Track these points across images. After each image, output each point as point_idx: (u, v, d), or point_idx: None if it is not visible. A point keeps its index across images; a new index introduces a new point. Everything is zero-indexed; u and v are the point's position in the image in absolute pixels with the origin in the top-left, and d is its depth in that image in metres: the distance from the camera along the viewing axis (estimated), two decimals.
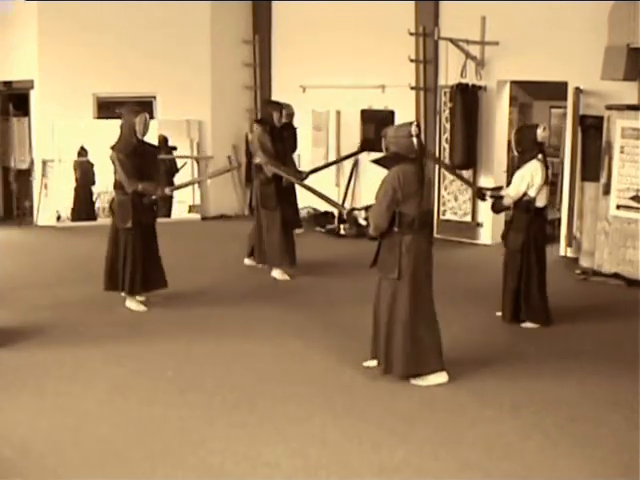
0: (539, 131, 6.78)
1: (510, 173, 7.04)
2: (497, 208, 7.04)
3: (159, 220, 7.58)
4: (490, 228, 10.18)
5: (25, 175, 11.95)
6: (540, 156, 6.74)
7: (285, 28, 12.32)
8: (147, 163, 7.26)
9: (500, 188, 7.33)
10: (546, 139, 6.96)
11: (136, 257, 7.15)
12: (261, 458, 4.37)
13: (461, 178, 8.75)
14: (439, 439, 4.63)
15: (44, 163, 11.54)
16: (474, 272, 8.79)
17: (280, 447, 4.50)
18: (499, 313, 7.00)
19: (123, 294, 7.34)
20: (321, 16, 11.54)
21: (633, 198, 8.20)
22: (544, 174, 6.69)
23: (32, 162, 11.79)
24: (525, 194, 6.70)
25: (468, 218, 10.46)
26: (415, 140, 5.35)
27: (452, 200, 10.57)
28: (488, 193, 7.22)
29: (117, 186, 7.21)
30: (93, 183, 11.65)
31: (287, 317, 7.06)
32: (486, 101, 10.19)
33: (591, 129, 8.96)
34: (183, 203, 12.20)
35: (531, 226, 6.76)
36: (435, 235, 10.57)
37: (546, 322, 6.83)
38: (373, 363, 5.69)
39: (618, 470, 4.24)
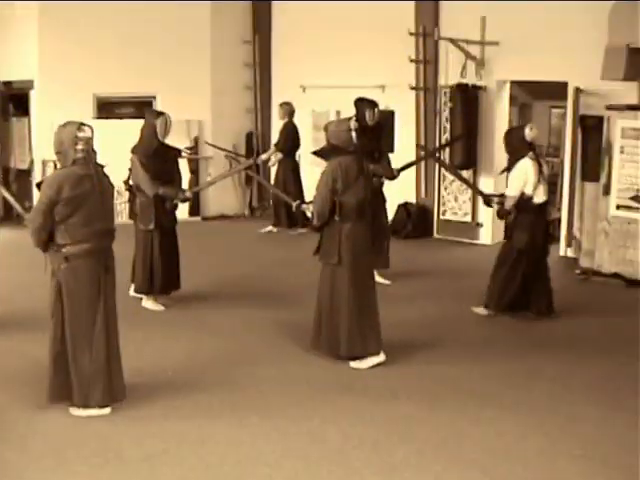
0: (527, 131, 6.94)
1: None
2: (502, 213, 7.11)
3: None
4: (490, 228, 10.18)
5: (25, 175, 11.90)
6: (531, 154, 6.85)
7: (285, 28, 12.29)
8: (168, 166, 7.24)
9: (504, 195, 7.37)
10: (535, 138, 7.08)
11: (155, 259, 7.16)
12: (262, 458, 4.38)
13: (465, 182, 8.71)
14: (439, 439, 4.64)
15: (44, 163, 11.49)
16: (473, 272, 8.76)
17: (280, 447, 4.51)
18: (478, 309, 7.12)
19: (134, 293, 7.38)
20: (321, 16, 11.52)
21: (633, 198, 8.18)
22: (537, 170, 6.81)
23: (32, 162, 11.76)
24: (523, 193, 6.79)
25: (468, 218, 10.46)
26: (354, 134, 5.69)
27: (452, 200, 10.57)
28: (495, 200, 7.30)
29: (139, 188, 7.12)
30: None
31: (286, 318, 7.06)
32: (486, 101, 10.18)
33: (591, 129, 8.93)
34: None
35: (534, 224, 6.85)
36: (435, 235, 10.72)
37: (548, 313, 7.04)
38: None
39: (618, 471, 4.24)
